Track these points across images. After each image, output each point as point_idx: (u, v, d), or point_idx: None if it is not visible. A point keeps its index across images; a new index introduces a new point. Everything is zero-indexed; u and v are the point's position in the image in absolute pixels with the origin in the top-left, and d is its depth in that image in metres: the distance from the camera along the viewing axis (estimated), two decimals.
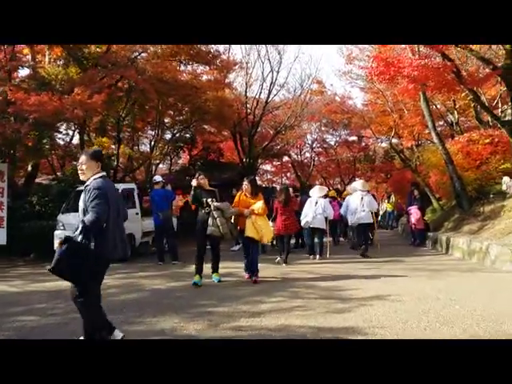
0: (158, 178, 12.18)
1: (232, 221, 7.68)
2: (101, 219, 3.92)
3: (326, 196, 12.03)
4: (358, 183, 12.89)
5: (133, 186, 13.01)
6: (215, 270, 7.79)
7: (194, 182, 7.62)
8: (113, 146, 18.17)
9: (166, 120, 19.04)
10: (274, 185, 36.66)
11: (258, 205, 7.68)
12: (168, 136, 20.47)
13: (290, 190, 11.90)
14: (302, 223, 11.28)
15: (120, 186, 12.37)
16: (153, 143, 19.33)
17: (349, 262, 10.26)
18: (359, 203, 11.43)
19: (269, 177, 37.18)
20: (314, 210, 11.08)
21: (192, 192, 7.60)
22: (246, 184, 7.88)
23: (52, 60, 14.72)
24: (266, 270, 9.26)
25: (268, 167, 35.96)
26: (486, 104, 11.24)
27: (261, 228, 7.69)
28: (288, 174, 37.34)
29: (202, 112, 16.34)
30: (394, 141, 20.81)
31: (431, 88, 9.22)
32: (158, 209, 11.12)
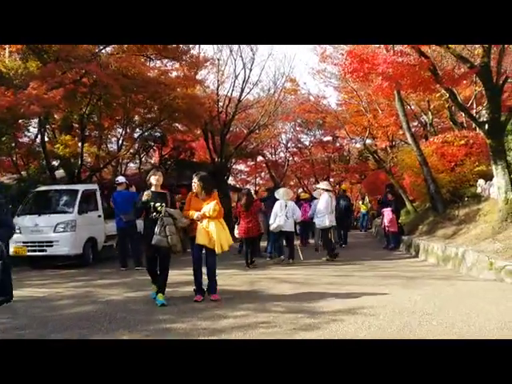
0: (121, 178, 11.47)
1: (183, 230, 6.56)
2: None
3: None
4: (321, 184, 13.12)
5: (95, 186, 12.35)
6: (160, 289, 6.27)
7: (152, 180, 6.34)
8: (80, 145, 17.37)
9: (135, 118, 18.27)
10: (248, 185, 36.29)
11: (209, 206, 6.30)
12: (137, 134, 19.71)
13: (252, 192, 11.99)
14: (272, 227, 10.86)
15: (80, 187, 11.75)
16: (120, 142, 18.54)
17: (319, 268, 9.84)
18: (283, 210, 10.78)
19: (243, 177, 36.67)
20: (285, 213, 10.77)
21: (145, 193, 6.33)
22: (195, 182, 6.43)
23: (12, 53, 13.90)
24: (233, 277, 8.78)
25: (242, 167, 35.47)
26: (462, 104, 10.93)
27: (213, 234, 6.33)
28: (262, 174, 36.92)
29: (172, 110, 15.69)
30: (369, 141, 20.60)
31: (407, 86, 8.84)
32: (120, 211, 10.51)
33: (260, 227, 10.97)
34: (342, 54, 13.57)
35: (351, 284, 7.48)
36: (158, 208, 6.08)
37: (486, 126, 8.94)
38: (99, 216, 11.87)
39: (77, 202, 11.16)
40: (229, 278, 8.53)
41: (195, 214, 6.32)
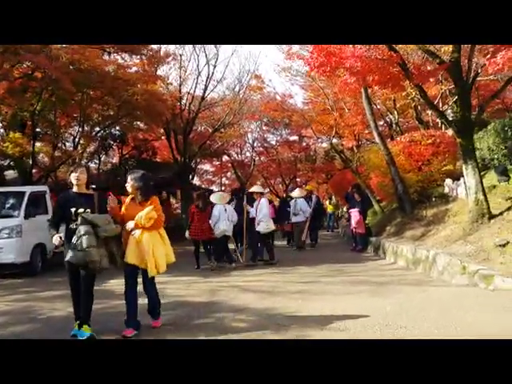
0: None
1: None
2: None
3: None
4: (295, 192, 14.20)
5: (44, 188, 11.48)
6: (84, 319, 4.83)
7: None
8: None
9: (93, 116, 17.34)
10: (213, 186, 35.63)
11: (142, 213, 4.91)
12: (95, 133, 18.78)
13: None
14: (217, 233, 10.48)
15: (27, 189, 10.90)
16: (77, 140, 17.59)
17: (286, 273, 9.32)
18: (224, 215, 10.61)
19: (208, 177, 35.97)
20: (226, 217, 10.58)
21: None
22: (129, 181, 5.10)
23: None
24: (192, 285, 8.18)
25: (207, 167, 34.77)
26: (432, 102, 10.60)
27: (146, 249, 4.90)
28: (228, 174, 36.30)
29: (130, 107, 14.90)
30: (335, 141, 20.26)
31: (375, 82, 8.41)
32: None
33: (211, 231, 10.53)
34: (309, 51, 13.11)
35: (319, 293, 6.97)
36: (81, 214, 4.67)
37: (456, 125, 8.58)
38: (49, 220, 11.01)
39: (23, 206, 10.30)
40: (187, 287, 7.93)
41: (127, 224, 4.99)
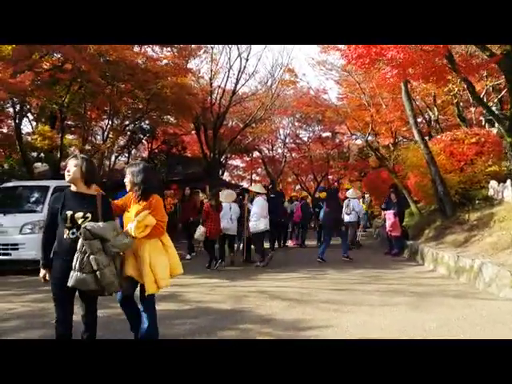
0: None
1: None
2: None
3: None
4: (350, 192, 14.60)
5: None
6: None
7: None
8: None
9: (123, 109, 17.06)
10: (243, 182, 35.24)
11: (138, 218, 3.98)
12: (124, 126, 18.55)
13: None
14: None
15: (52, 183, 10.66)
16: (106, 134, 17.38)
17: (316, 278, 8.77)
18: (228, 213, 10.66)
19: (238, 173, 35.58)
20: (229, 216, 10.59)
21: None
22: (127, 175, 4.24)
23: None
24: (216, 289, 7.72)
25: (238, 162, 34.39)
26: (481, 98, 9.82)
27: (143, 262, 4.04)
28: (259, 170, 35.84)
29: (159, 100, 14.54)
30: (370, 138, 19.47)
31: (417, 76, 7.76)
32: None
33: (220, 229, 10.39)
34: None
35: (353, 303, 6.39)
36: (79, 221, 3.61)
37: (507, 123, 7.83)
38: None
39: (47, 200, 10.02)
40: (210, 291, 7.47)
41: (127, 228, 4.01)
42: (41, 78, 12.48)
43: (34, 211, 10.00)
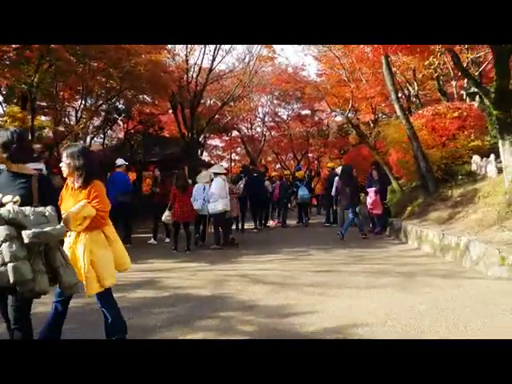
0: (120, 161, 11.17)
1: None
2: None
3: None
4: (214, 167, 12.29)
5: (39, 166, 10.66)
6: None
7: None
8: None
9: (96, 88, 16.38)
10: (223, 162, 34.82)
11: (74, 209, 3.55)
12: (99, 106, 17.89)
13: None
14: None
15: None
16: (79, 114, 16.75)
17: (300, 259, 8.55)
18: (201, 194, 10.42)
19: (218, 152, 35.11)
20: (203, 196, 10.33)
21: None
22: (64, 159, 3.72)
23: None
24: (197, 273, 7.43)
25: (217, 142, 33.90)
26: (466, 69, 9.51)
27: (80, 259, 3.62)
28: (238, 150, 35.42)
29: (133, 78, 13.97)
30: (350, 115, 19.17)
31: (401, 48, 7.43)
32: (117, 192, 9.96)
33: (195, 211, 10.27)
34: None
35: (338, 286, 6.16)
36: (6, 205, 3.05)
37: (493, 95, 7.61)
38: None
39: None
40: (190, 276, 7.18)
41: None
42: (7, 57, 11.82)
43: None
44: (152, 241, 11.49)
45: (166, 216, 10.38)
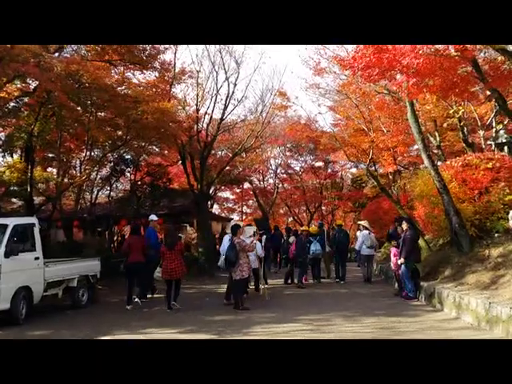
0: (153, 216, 11.86)
1: None
2: None
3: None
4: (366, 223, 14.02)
5: (32, 220, 9.72)
6: None
7: None
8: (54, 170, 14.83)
9: (101, 138, 15.68)
10: (233, 215, 33.91)
11: None
12: (103, 157, 17.15)
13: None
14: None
15: (10, 221, 9.18)
16: (84, 166, 16.01)
17: (317, 330, 7.31)
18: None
19: (229, 205, 34.19)
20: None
21: None
22: None
23: None
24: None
25: (228, 194, 33.04)
26: None
27: None
28: (250, 202, 34.50)
29: (140, 127, 13.23)
30: (362, 166, 18.25)
31: (436, 87, 6.53)
32: (153, 246, 10.82)
33: (184, 267, 10.00)
34: (349, 51, 11.09)
35: None
36: None
37: None
38: (36, 258, 9.26)
39: (4, 241, 8.52)
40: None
41: None
42: (5, 105, 11.18)
43: None
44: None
45: (157, 272, 10.56)
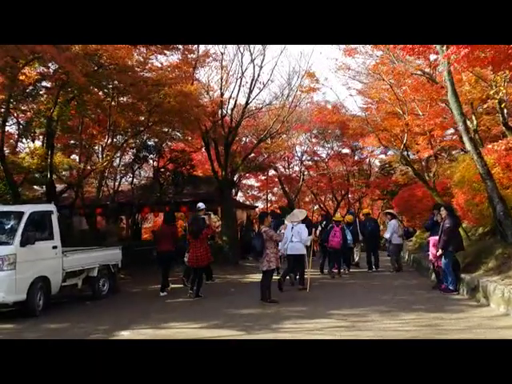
0: (201, 205, 11.43)
1: None
2: None
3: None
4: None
5: (50, 207, 9.33)
6: None
7: None
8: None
9: (122, 123, 15.21)
10: (258, 202, 33.40)
11: None
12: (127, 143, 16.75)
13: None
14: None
15: (27, 208, 8.81)
16: (106, 151, 15.61)
17: (352, 326, 6.71)
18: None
19: (253, 192, 33.62)
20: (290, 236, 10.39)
21: None
22: None
23: None
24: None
25: (252, 182, 32.45)
26: None
27: None
28: (275, 190, 33.86)
29: (163, 111, 12.72)
30: (391, 152, 17.37)
31: (488, 61, 5.79)
32: None
33: (209, 255, 10.09)
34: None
35: None
36: None
37: None
38: (54, 247, 8.87)
39: (20, 229, 8.16)
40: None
41: None
42: (25, 89, 10.78)
43: (3, 243, 8.12)
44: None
45: (185, 258, 10.73)
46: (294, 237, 10.43)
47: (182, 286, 11.06)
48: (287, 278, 10.88)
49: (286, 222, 10.61)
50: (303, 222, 10.97)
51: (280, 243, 10.17)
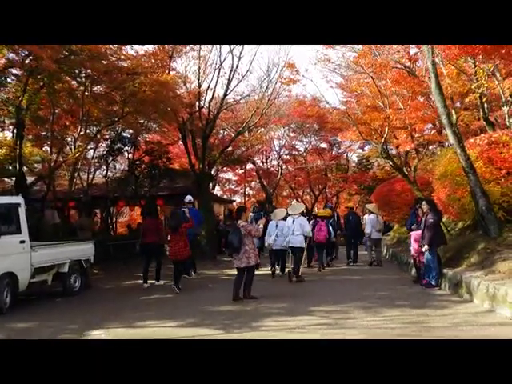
0: (190, 198, 12.05)
1: None
2: None
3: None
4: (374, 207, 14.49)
5: (17, 199, 8.83)
6: None
7: None
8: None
9: (95, 112, 14.65)
10: (235, 196, 33.13)
11: None
12: (96, 133, 16.16)
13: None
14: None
15: None
16: (78, 143, 15.04)
17: (336, 324, 6.46)
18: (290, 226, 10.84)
19: (231, 186, 33.29)
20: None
21: None
22: None
23: None
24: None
25: (230, 175, 32.13)
26: None
27: None
28: (252, 184, 33.61)
29: (138, 101, 12.24)
30: (369, 147, 17.28)
31: (480, 49, 5.57)
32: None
33: (188, 250, 9.94)
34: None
35: None
36: None
37: None
38: (21, 242, 8.39)
39: None
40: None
41: None
42: None
43: None
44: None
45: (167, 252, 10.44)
46: (296, 229, 10.66)
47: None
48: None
49: (273, 216, 11.38)
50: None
51: (267, 236, 10.81)
